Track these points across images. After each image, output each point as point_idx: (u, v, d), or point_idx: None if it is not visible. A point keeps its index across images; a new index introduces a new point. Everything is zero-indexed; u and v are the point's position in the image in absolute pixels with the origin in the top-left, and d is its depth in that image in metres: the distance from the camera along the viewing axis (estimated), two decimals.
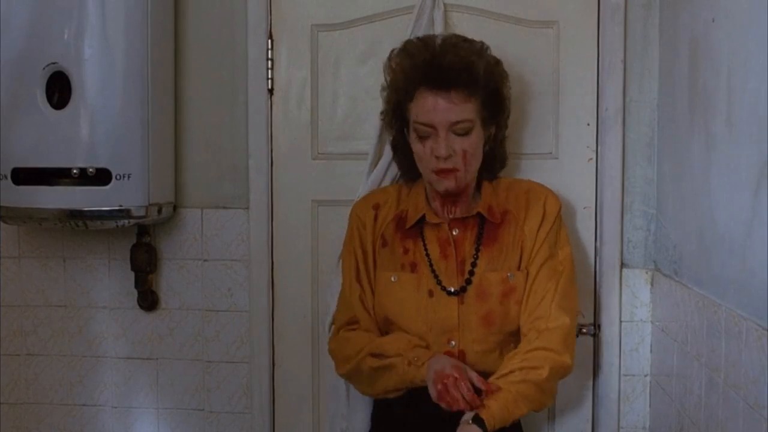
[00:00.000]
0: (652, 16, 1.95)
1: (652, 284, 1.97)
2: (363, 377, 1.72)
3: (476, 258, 1.71)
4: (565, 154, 2.01)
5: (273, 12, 2.07)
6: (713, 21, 1.52)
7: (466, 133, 1.62)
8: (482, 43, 1.70)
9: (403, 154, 1.77)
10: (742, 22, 1.38)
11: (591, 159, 2.00)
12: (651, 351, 1.98)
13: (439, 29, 1.93)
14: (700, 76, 1.61)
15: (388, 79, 1.71)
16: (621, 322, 1.99)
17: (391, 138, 1.80)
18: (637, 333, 1.99)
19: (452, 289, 1.69)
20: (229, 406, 2.15)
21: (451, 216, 1.73)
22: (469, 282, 1.69)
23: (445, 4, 1.97)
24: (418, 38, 1.74)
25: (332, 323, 1.88)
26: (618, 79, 1.96)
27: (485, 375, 1.60)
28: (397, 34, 1.96)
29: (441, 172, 1.64)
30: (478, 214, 1.72)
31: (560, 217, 1.76)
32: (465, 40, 1.69)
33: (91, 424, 2.21)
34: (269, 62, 2.07)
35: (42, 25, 1.86)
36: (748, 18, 1.35)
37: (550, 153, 2.01)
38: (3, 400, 2.23)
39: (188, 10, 2.10)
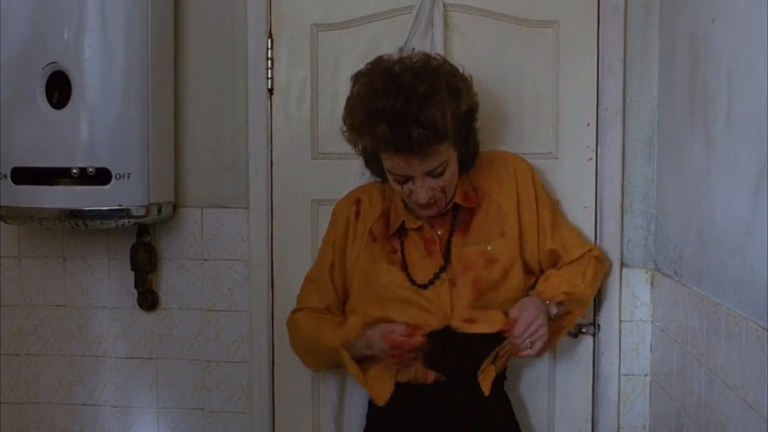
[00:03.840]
0: (652, 16, 1.95)
1: (652, 284, 1.97)
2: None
3: (449, 242, 1.74)
4: (565, 154, 2.01)
5: (273, 12, 2.07)
6: (713, 21, 1.52)
7: (441, 173, 1.62)
8: (447, 75, 1.61)
9: (373, 162, 1.77)
10: (742, 22, 1.38)
11: (591, 159, 2.00)
12: (651, 351, 1.98)
13: (438, 29, 1.93)
14: (700, 76, 1.61)
15: (350, 131, 1.65)
16: (621, 321, 1.99)
17: (359, 151, 1.74)
18: (637, 333, 1.99)
19: (426, 282, 1.72)
20: (229, 406, 2.15)
21: (432, 215, 1.75)
22: (443, 269, 1.72)
23: (444, 4, 1.97)
24: (380, 79, 1.59)
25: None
26: (618, 79, 1.96)
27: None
28: (397, 33, 1.97)
29: (423, 206, 1.68)
30: (453, 206, 1.76)
31: (536, 177, 1.82)
32: (429, 81, 1.56)
33: (91, 424, 2.21)
34: (269, 62, 2.07)
35: (42, 25, 1.86)
36: (748, 18, 1.35)
37: (550, 153, 2.01)
38: (3, 400, 2.23)
39: (188, 10, 2.10)
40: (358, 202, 1.84)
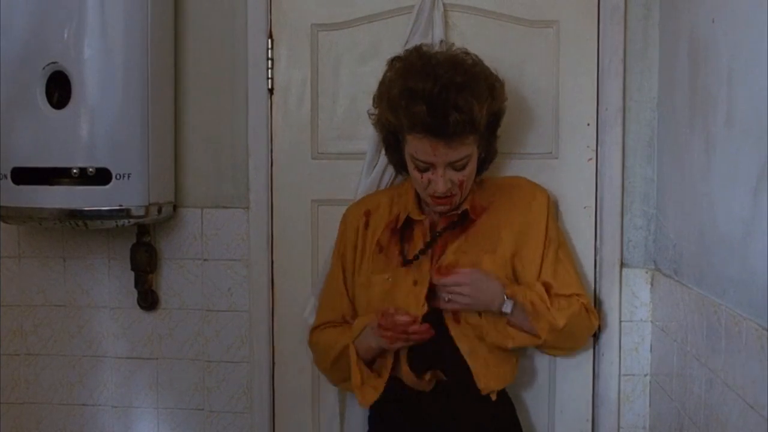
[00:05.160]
0: (652, 16, 1.95)
1: (652, 284, 1.97)
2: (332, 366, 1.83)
3: (440, 233, 1.75)
4: (565, 154, 2.01)
5: (273, 12, 2.07)
6: (713, 21, 1.52)
7: (464, 167, 1.64)
8: (483, 70, 1.66)
9: (394, 151, 1.78)
10: (742, 22, 1.38)
11: (591, 159, 2.00)
12: (651, 351, 1.98)
13: (438, 29, 1.93)
14: (700, 76, 1.61)
15: (384, 108, 1.66)
16: (621, 322, 1.99)
17: (382, 137, 1.79)
18: (637, 333, 1.99)
19: (410, 258, 1.73)
20: (229, 406, 2.15)
21: (444, 212, 1.75)
22: (423, 252, 1.72)
23: (444, 4, 1.97)
24: (419, 63, 1.63)
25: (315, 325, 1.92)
26: (618, 79, 1.96)
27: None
28: (397, 34, 1.97)
29: (437, 199, 1.67)
30: (462, 213, 1.75)
31: (551, 212, 1.81)
32: (466, 74, 1.61)
33: (91, 424, 2.21)
34: (269, 62, 2.07)
35: (42, 24, 1.86)
36: (748, 18, 1.35)
37: (550, 153, 2.01)
38: (3, 400, 2.23)
39: (188, 9, 2.10)
40: (367, 214, 1.83)
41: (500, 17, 2.00)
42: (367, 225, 1.82)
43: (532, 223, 1.77)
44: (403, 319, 1.60)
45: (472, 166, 1.66)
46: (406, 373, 1.70)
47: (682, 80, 1.73)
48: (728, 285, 1.43)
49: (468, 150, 1.62)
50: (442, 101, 1.54)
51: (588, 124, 2.00)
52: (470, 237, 1.74)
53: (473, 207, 1.76)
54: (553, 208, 1.83)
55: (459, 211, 1.75)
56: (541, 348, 1.80)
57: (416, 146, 1.61)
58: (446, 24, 1.97)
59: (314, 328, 1.91)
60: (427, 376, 1.70)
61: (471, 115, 1.55)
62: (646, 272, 1.98)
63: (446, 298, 1.64)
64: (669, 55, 1.86)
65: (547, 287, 1.76)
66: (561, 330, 1.70)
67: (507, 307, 1.65)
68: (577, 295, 1.78)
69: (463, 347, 1.70)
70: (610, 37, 1.96)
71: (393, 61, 1.70)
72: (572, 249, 1.95)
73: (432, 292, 1.68)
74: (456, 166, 1.63)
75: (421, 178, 1.65)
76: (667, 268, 1.84)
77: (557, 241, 1.80)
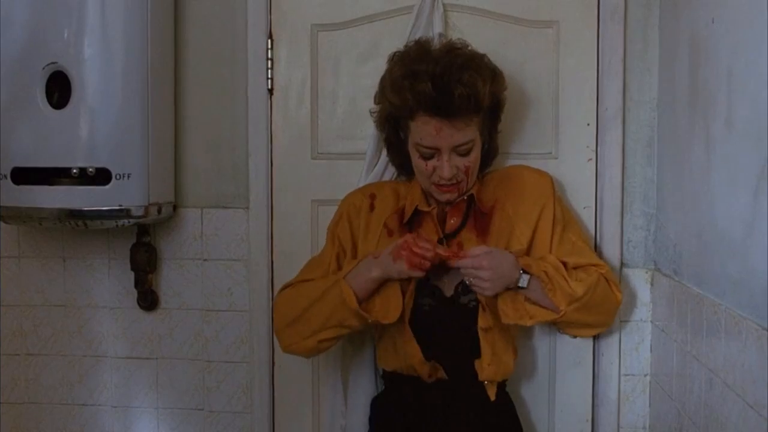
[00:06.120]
0: (652, 16, 1.96)
1: (652, 284, 1.97)
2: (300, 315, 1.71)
3: (458, 231, 1.74)
4: (565, 154, 2.01)
5: (273, 12, 2.08)
6: (713, 21, 1.52)
7: (468, 152, 1.64)
8: (482, 56, 1.68)
9: (397, 151, 1.78)
10: (742, 22, 1.38)
11: (591, 159, 2.00)
12: (651, 351, 1.98)
13: (438, 30, 1.93)
14: (700, 76, 1.61)
15: (387, 93, 1.67)
16: (621, 321, 1.99)
17: (384, 136, 1.80)
18: (637, 333, 1.99)
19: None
20: (229, 406, 2.15)
21: (451, 200, 1.74)
22: (441, 242, 1.72)
23: (444, 4, 1.97)
24: (418, 51, 1.66)
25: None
26: (618, 79, 1.96)
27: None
28: (397, 34, 1.97)
29: (443, 187, 1.67)
30: (468, 198, 1.74)
31: (557, 193, 1.80)
32: (466, 56, 1.63)
33: (91, 423, 2.21)
34: (269, 62, 2.07)
35: (42, 24, 1.86)
36: (748, 18, 1.35)
37: (550, 153, 2.01)
38: (3, 399, 2.23)
39: (188, 9, 2.10)
40: (372, 197, 1.82)
41: (500, 17, 2.00)
42: (372, 207, 1.80)
43: (542, 210, 1.76)
44: (426, 244, 1.60)
45: (476, 153, 1.66)
46: (411, 346, 1.68)
47: (682, 80, 1.74)
48: (728, 285, 1.43)
49: (472, 134, 1.62)
50: (446, 78, 1.55)
51: (588, 124, 2.00)
52: (493, 234, 1.73)
53: (479, 198, 1.76)
54: (557, 190, 1.81)
55: (465, 197, 1.74)
56: (566, 327, 1.78)
57: (421, 131, 1.62)
58: (446, 24, 1.97)
59: (285, 286, 1.80)
60: (429, 366, 1.70)
61: (475, 89, 1.56)
62: (646, 272, 1.98)
63: (468, 282, 1.62)
64: (669, 55, 1.86)
65: (563, 264, 1.72)
66: (581, 300, 1.65)
67: (523, 281, 1.61)
68: (595, 265, 1.74)
69: (481, 324, 1.68)
70: (610, 37, 1.96)
71: (393, 55, 1.71)
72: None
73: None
74: (460, 151, 1.63)
75: (426, 166, 1.65)
76: (667, 268, 1.84)
77: (563, 220, 1.78)
